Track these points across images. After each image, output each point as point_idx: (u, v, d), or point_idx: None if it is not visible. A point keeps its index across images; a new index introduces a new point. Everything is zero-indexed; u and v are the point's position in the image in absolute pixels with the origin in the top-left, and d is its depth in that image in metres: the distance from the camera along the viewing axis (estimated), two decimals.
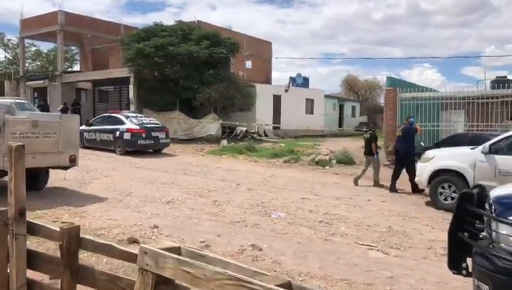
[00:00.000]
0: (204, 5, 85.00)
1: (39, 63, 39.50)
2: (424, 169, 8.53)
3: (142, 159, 13.97)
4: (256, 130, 22.75)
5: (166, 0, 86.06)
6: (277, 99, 24.74)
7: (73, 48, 36.80)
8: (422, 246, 5.87)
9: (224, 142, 18.26)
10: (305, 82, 28.85)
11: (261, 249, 5.40)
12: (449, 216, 7.60)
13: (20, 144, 2.59)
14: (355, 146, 18.03)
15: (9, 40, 36.94)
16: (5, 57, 37.37)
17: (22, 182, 2.90)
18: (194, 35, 20.65)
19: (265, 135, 23.14)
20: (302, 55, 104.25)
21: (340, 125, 32.21)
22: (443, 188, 8.22)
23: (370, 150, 10.75)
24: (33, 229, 2.81)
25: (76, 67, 35.97)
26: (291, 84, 26.44)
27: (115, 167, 12.07)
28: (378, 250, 5.64)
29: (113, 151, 15.13)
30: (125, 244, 5.23)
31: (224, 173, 11.75)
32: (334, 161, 13.75)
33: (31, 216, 6.32)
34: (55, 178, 8.85)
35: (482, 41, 77.52)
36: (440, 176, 8.25)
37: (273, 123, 23.99)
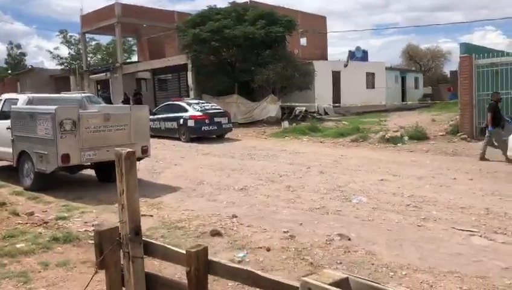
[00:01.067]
0: None
1: (100, 57, 41.02)
2: None
3: (207, 145, 13.95)
4: (316, 109, 22.11)
5: None
6: (336, 76, 23.88)
7: (130, 39, 37.71)
8: None
9: (285, 123, 17.88)
10: (364, 55, 27.62)
11: (349, 239, 5.04)
12: None
13: (130, 150, 2.30)
14: (424, 120, 17.00)
15: (71, 36, 38.59)
16: (69, 53, 39.14)
17: (135, 195, 2.50)
18: (249, 16, 20.24)
19: (326, 114, 22.47)
20: (354, 27, 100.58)
21: (403, 98, 30.67)
22: None
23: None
24: (151, 250, 2.45)
25: (134, 58, 36.91)
26: (350, 59, 25.37)
27: (183, 154, 12.11)
28: (481, 236, 5.07)
29: (178, 139, 15.27)
30: (208, 237, 5.08)
31: (291, 155, 11.41)
32: (406, 138, 12.95)
33: (112, 210, 6.39)
34: None
35: None
36: None
37: (333, 101, 23.21)
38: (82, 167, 7.83)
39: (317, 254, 4.54)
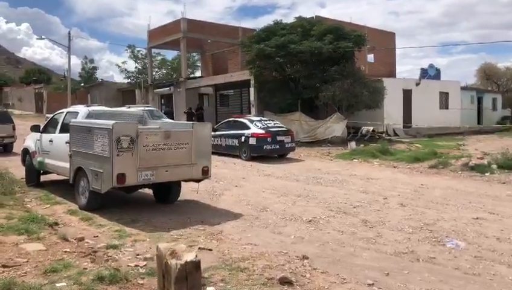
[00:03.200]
0: (313, 4, 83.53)
1: (165, 71, 41.95)
2: None
3: (268, 165, 13.17)
4: (385, 130, 20.73)
5: (275, 2, 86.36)
6: (407, 95, 22.35)
7: (194, 54, 38.23)
8: None
9: (353, 144, 16.71)
10: (437, 74, 25.79)
11: None
12: None
13: (192, 258, 1.53)
14: (510, 145, 15.16)
15: (138, 51, 39.80)
16: (136, 67, 40.36)
17: None
18: (315, 31, 19.40)
19: (395, 135, 21.00)
20: (418, 45, 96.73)
21: (478, 120, 28.30)
22: None
23: None
24: None
25: (198, 73, 37.31)
26: (422, 77, 23.73)
27: (243, 174, 11.39)
28: None
29: (238, 157, 14.65)
30: (277, 285, 4.21)
31: (363, 182, 10.31)
32: (494, 166, 11.38)
33: (166, 239, 5.72)
34: (186, 189, 8.34)
35: None
36: None
37: (404, 121, 21.67)
38: (139, 186, 7.29)
39: None
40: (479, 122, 28.02)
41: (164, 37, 28.28)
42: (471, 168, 11.51)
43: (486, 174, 10.96)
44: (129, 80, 38.50)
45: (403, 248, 5.50)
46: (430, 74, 25.08)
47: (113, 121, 6.61)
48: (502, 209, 7.49)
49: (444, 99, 24.74)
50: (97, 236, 5.77)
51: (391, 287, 4.27)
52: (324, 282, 4.34)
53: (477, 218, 6.88)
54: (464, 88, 27.61)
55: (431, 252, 5.32)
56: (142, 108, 15.96)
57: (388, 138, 19.60)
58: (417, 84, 22.81)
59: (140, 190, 8.07)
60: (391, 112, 20.69)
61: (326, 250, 5.44)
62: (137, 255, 5.03)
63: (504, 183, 10.07)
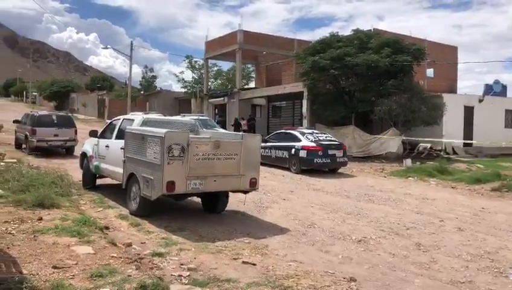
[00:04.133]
0: (371, 16, 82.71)
1: (220, 82, 42.74)
2: None
3: (318, 179, 12.91)
4: (444, 147, 19.75)
5: (332, 15, 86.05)
6: (469, 111, 21.21)
7: (249, 65, 38.70)
8: None
9: (408, 161, 16.04)
10: (503, 90, 24.30)
11: None
12: None
13: None
14: None
15: (196, 61, 40.87)
16: (192, 77, 41.44)
17: None
18: (373, 43, 18.93)
19: (454, 153, 19.94)
20: (481, 60, 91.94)
21: None
22: None
23: None
24: None
25: (252, 84, 37.68)
26: (486, 94, 22.45)
27: (292, 188, 11.23)
28: None
29: (288, 169, 14.49)
30: None
31: (418, 202, 9.81)
32: None
33: (211, 250, 5.69)
34: (234, 200, 8.31)
35: None
36: None
37: (464, 139, 20.54)
38: (188, 195, 7.36)
39: None
40: None
41: (220, 48, 28.88)
42: None
43: None
44: (186, 90, 39.58)
45: (460, 276, 5.12)
46: (496, 90, 23.65)
47: (166, 130, 6.73)
48: None
49: (510, 118, 23.23)
50: (144, 243, 5.86)
51: None
52: None
53: None
54: None
55: (492, 284, 4.91)
56: (196, 117, 16.32)
57: (447, 156, 18.65)
58: (480, 101, 21.59)
59: (189, 199, 8.16)
60: (451, 129, 19.69)
61: (375, 273, 5.17)
62: (182, 264, 5.04)
63: None
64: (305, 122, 21.17)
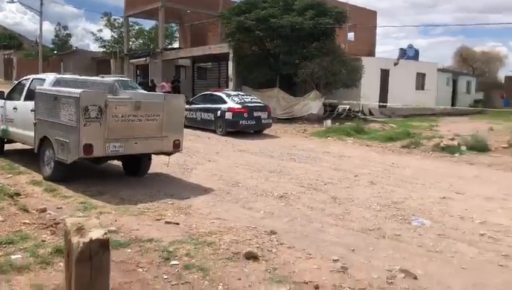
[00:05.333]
0: None
1: (141, 41, 40.88)
2: None
3: (244, 140, 13.09)
4: (361, 109, 20.83)
5: None
6: (385, 74, 22.43)
7: (172, 25, 37.31)
8: None
9: (328, 122, 16.75)
10: (415, 54, 25.93)
11: (416, 278, 4.02)
12: None
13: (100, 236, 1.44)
14: (480, 128, 15.48)
15: (115, 19, 38.57)
16: (112, 36, 39.19)
17: None
18: (297, 5, 19.07)
19: (371, 114, 21.15)
20: (399, 25, 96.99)
21: (452, 102, 28.78)
22: None
23: None
24: None
25: (176, 45, 36.49)
26: (401, 57, 23.82)
27: (217, 149, 11.29)
28: None
29: (214, 132, 14.49)
30: (242, 260, 4.19)
31: (336, 159, 10.37)
32: (464, 147, 11.61)
33: (133, 212, 5.62)
34: (157, 162, 8.20)
35: None
36: None
37: (380, 101, 21.81)
38: (107, 158, 7.11)
39: None
40: (452, 105, 28.50)
41: (142, 6, 27.41)
42: (442, 148, 11.72)
43: (455, 155, 11.18)
44: (104, 49, 37.42)
45: (369, 224, 5.56)
46: (409, 54, 25.20)
47: (81, 90, 6.37)
48: (468, 189, 7.66)
49: (420, 81, 24.96)
50: (61, 208, 5.62)
51: (355, 264, 4.30)
52: (290, 257, 4.34)
53: (443, 197, 7.01)
54: (440, 70, 27.88)
55: (397, 230, 5.40)
56: (116, 78, 15.57)
57: (363, 117, 19.73)
58: (395, 64, 22.89)
59: (109, 162, 7.90)
60: (368, 92, 20.76)
61: (294, 225, 5.45)
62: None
63: (472, 164, 10.29)
64: (231, 84, 21.09)
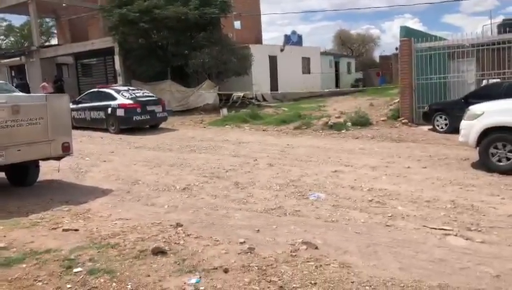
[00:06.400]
0: None
1: (13, 39, 37.08)
2: (471, 127, 7.46)
3: (140, 137, 12.70)
4: (254, 95, 21.42)
5: None
6: (273, 60, 23.27)
7: (48, 20, 34.39)
8: (505, 224, 4.87)
9: (224, 111, 16.96)
10: (299, 40, 27.29)
11: (317, 247, 4.34)
12: (509, 180, 6.69)
13: None
14: (362, 105, 16.93)
15: None
16: None
17: None
18: None
19: (264, 100, 21.85)
20: (281, 12, 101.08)
21: (336, 83, 30.94)
22: (496, 148, 7.19)
23: None
24: None
25: (54, 41, 33.75)
26: (286, 43, 24.89)
27: (112, 149, 10.82)
28: (456, 235, 4.61)
29: (106, 131, 13.82)
30: (150, 257, 4.13)
31: (235, 146, 10.59)
32: (349, 124, 12.64)
33: (25, 225, 5.19)
34: (47, 168, 7.63)
35: None
36: (492, 134, 7.19)
37: (271, 86, 22.62)
38: None
39: (285, 272, 3.77)
40: (336, 85, 30.61)
41: (8, 0, 24.75)
42: (330, 126, 12.61)
43: (342, 131, 12.12)
44: None
45: (271, 204, 5.83)
46: (293, 40, 26.43)
47: None
48: (355, 161, 8.39)
49: (306, 65, 26.36)
50: None
51: (261, 242, 4.50)
52: (198, 246, 4.39)
53: (335, 171, 7.59)
54: (323, 53, 29.70)
55: (296, 206, 5.74)
56: None
57: (257, 103, 20.31)
58: (281, 50, 23.85)
59: None
60: (259, 78, 21.40)
61: (200, 215, 5.50)
62: None
63: (357, 138, 11.26)
64: (119, 79, 20.18)
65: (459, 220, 5.04)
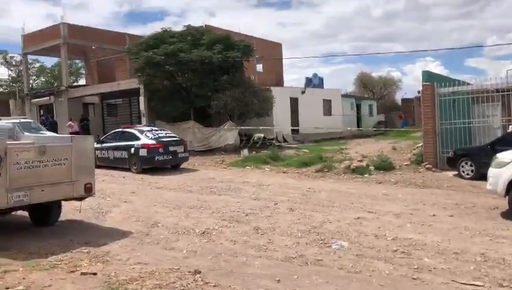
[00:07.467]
0: (203, 12, 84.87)
1: (44, 79, 38.64)
2: (499, 176, 7.23)
3: (161, 177, 12.77)
4: (275, 136, 21.51)
5: (165, 10, 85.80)
6: (294, 102, 23.51)
7: (77, 61, 35.85)
8: None
9: (245, 152, 17.01)
10: (320, 82, 27.59)
11: None
12: None
13: None
14: (384, 148, 16.77)
15: (12, 57, 36.10)
16: (9, 75, 36.54)
17: None
18: (205, 40, 19.47)
19: (285, 141, 21.91)
20: (303, 56, 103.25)
21: (358, 125, 30.89)
22: None
23: None
24: None
25: (82, 82, 35.03)
26: (307, 86, 25.17)
27: (133, 189, 10.88)
28: None
29: (129, 170, 13.97)
30: None
31: (255, 189, 10.51)
32: (372, 168, 12.44)
33: (44, 266, 5.16)
34: (69, 208, 7.68)
35: (483, 31, 76.05)
36: None
37: (292, 127, 22.72)
38: (12, 209, 6.50)
39: None
40: (358, 127, 30.57)
41: (42, 43, 26.01)
42: (352, 170, 12.43)
43: (365, 175, 11.93)
44: (2, 89, 34.66)
45: (292, 252, 5.67)
46: (314, 82, 26.76)
47: None
48: (379, 207, 8.18)
49: (327, 106, 26.52)
50: None
51: None
52: None
53: (358, 218, 7.40)
54: (344, 96, 29.91)
55: (318, 255, 5.56)
56: (17, 120, 14.48)
57: (278, 144, 20.37)
58: (303, 93, 24.11)
59: (13, 213, 7.22)
60: (280, 119, 21.57)
61: (219, 262, 5.38)
62: (7, 288, 4.45)
63: (380, 183, 11.04)
64: (143, 119, 20.65)
65: (490, 275, 4.78)
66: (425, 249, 5.71)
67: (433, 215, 7.57)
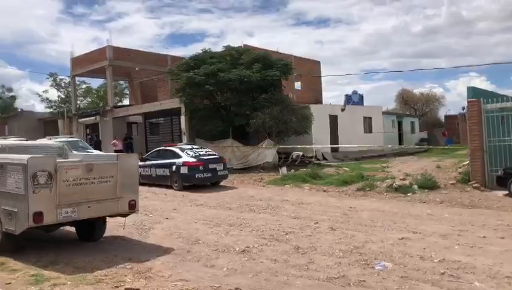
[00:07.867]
0: (242, 33, 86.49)
1: (90, 100, 40.38)
2: None
3: (201, 194, 12.93)
4: (314, 154, 21.33)
5: (204, 31, 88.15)
6: (333, 120, 23.31)
7: (122, 82, 37.26)
8: None
9: (284, 170, 16.96)
10: (360, 100, 27.27)
11: None
12: None
13: None
14: (428, 166, 16.25)
15: (61, 79, 38.01)
16: (58, 96, 38.46)
17: None
18: (244, 59, 19.78)
19: (324, 159, 21.68)
20: (342, 73, 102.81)
21: (400, 143, 30.16)
22: None
23: None
24: None
25: (126, 102, 36.33)
26: (347, 103, 24.94)
27: (175, 205, 11.06)
28: None
29: (170, 187, 14.25)
30: None
31: (295, 207, 10.42)
32: (415, 186, 12.06)
33: (90, 281, 5.30)
34: (113, 224, 7.88)
35: None
36: None
37: (331, 145, 22.48)
38: (59, 224, 6.76)
39: None
40: (400, 145, 29.84)
41: (89, 65, 27.32)
42: (395, 189, 12.10)
43: (408, 194, 11.57)
44: (51, 110, 36.51)
45: (334, 273, 5.55)
46: (354, 100, 26.48)
47: (28, 156, 6.12)
48: (424, 227, 7.89)
49: (367, 124, 26.12)
50: (10, 283, 5.21)
51: None
52: None
53: (402, 238, 7.16)
54: (385, 113, 29.40)
55: (361, 276, 5.41)
56: (65, 139, 15.15)
57: (317, 162, 20.18)
58: (342, 110, 23.89)
59: (61, 228, 7.50)
60: (319, 137, 21.41)
61: (259, 281, 5.34)
62: None
63: (424, 202, 10.67)
64: (184, 138, 21.09)
65: None
66: (476, 272, 5.43)
67: (483, 237, 7.21)
